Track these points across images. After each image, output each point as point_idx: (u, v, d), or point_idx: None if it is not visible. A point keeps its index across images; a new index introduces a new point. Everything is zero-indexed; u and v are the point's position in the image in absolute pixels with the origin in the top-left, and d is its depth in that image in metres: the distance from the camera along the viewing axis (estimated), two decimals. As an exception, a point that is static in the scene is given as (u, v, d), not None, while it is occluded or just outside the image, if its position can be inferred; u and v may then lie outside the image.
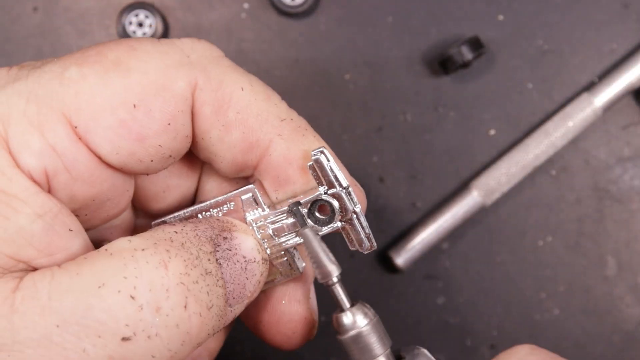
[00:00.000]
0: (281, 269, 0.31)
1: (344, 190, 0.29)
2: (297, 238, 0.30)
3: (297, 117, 0.30)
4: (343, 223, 0.29)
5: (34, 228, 0.25)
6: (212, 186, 0.33)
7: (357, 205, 0.29)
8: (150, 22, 0.48)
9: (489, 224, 0.49)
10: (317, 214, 0.29)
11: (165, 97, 0.27)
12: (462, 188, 0.48)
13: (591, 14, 0.49)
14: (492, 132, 0.49)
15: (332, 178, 0.29)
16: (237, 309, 0.28)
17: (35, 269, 0.25)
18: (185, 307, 0.24)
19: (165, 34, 0.49)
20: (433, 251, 0.48)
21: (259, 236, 0.30)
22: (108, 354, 0.23)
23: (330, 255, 0.29)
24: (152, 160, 0.28)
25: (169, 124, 0.27)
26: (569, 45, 0.49)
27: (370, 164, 0.49)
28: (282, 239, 0.30)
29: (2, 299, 0.23)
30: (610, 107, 0.48)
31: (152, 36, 0.48)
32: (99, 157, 0.27)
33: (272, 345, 0.32)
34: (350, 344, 0.29)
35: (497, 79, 0.49)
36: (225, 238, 0.27)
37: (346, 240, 0.30)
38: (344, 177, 0.29)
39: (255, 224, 0.30)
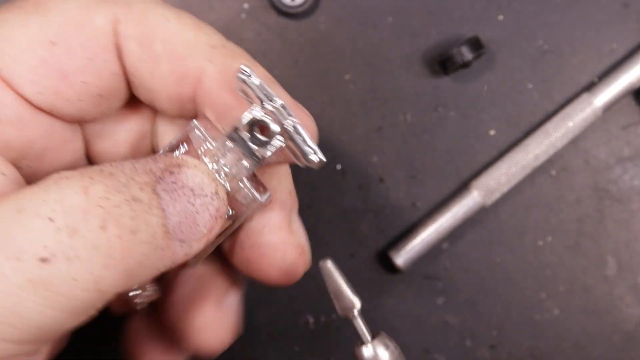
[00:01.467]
0: (245, 201, 0.29)
1: (276, 105, 0.27)
2: (246, 164, 0.28)
3: (231, 45, 0.29)
4: (284, 140, 0.28)
5: None
6: (168, 138, 0.32)
7: (291, 118, 0.28)
8: (150, 22, 0.48)
9: (489, 224, 0.49)
10: (259, 136, 0.28)
11: (84, 33, 0.27)
12: (462, 188, 0.48)
13: (591, 14, 0.49)
14: (492, 132, 0.49)
15: (262, 96, 0.27)
16: (194, 246, 0.27)
17: None
18: (103, 229, 0.24)
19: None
20: (433, 251, 0.48)
21: (214, 169, 0.29)
22: (27, 277, 0.23)
23: (351, 288, 0.28)
24: (80, 100, 0.28)
25: (89, 58, 0.27)
26: (569, 45, 0.49)
27: (370, 164, 0.49)
28: (234, 169, 0.29)
29: None
30: (610, 107, 0.48)
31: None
32: (26, 100, 0.27)
33: (270, 283, 0.31)
34: None
35: (497, 79, 0.49)
36: (171, 173, 0.26)
37: (295, 160, 0.29)
38: (273, 93, 0.28)
39: (207, 158, 0.29)
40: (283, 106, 0.28)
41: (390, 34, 0.49)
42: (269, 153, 0.28)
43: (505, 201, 0.49)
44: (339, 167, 0.49)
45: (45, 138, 0.28)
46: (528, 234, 0.49)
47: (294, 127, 0.28)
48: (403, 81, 0.49)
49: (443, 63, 0.47)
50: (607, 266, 0.49)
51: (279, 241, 0.31)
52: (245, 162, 0.28)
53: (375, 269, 0.49)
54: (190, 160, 0.27)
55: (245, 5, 0.49)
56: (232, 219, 0.30)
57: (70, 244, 0.23)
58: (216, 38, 0.29)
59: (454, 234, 0.48)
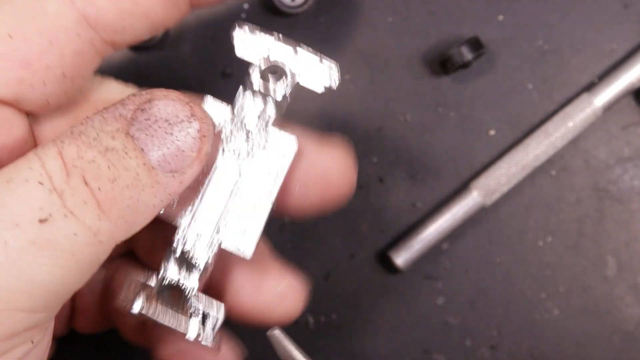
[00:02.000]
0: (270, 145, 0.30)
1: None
2: (269, 112, 0.29)
3: None
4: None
5: None
6: None
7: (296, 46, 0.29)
8: (150, 22, 0.48)
9: (489, 224, 0.49)
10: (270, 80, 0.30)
11: (39, 19, 0.28)
12: (462, 188, 0.48)
13: (591, 14, 0.49)
14: (492, 132, 0.49)
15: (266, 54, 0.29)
16: (188, 172, 0.27)
17: None
18: (86, 184, 0.25)
19: (166, 34, 0.49)
20: (433, 251, 0.48)
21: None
22: (30, 239, 0.24)
23: (302, 353, 0.28)
24: (44, 84, 0.28)
25: (50, 42, 0.28)
26: (569, 45, 0.49)
27: (370, 164, 0.49)
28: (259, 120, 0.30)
29: None
30: (611, 107, 0.48)
31: (153, 39, 0.48)
32: None
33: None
34: None
35: (497, 79, 0.49)
36: (142, 110, 0.27)
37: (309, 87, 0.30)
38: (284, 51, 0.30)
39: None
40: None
41: (390, 34, 0.49)
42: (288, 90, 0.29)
43: (505, 201, 0.49)
44: (339, 167, 0.49)
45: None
46: (528, 234, 0.49)
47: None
48: (403, 81, 0.49)
49: (443, 63, 0.47)
50: (607, 266, 0.49)
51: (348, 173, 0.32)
52: (268, 110, 0.29)
53: (375, 269, 0.49)
54: (158, 91, 0.28)
55: (245, 5, 0.49)
56: None
57: (62, 202, 0.25)
58: None
59: (454, 234, 0.48)
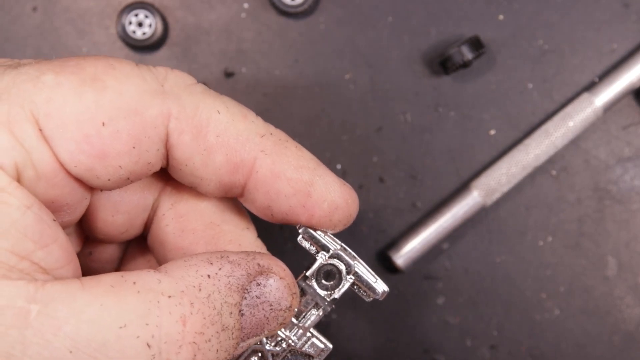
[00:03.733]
0: (309, 349, 0.31)
1: (339, 247, 0.30)
2: (316, 312, 0.31)
3: (275, 130, 0.31)
4: (352, 277, 0.30)
5: (26, 219, 0.25)
6: (180, 210, 0.33)
7: (355, 257, 0.30)
8: (150, 22, 0.48)
9: (489, 224, 0.49)
10: (324, 282, 0.30)
11: (135, 121, 0.28)
12: (462, 188, 0.48)
13: (591, 14, 0.49)
14: (492, 132, 0.49)
15: (325, 242, 0.30)
16: (249, 341, 0.28)
17: (45, 273, 0.25)
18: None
19: (165, 33, 0.49)
20: (433, 251, 0.48)
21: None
22: None
23: None
24: (109, 180, 0.28)
25: (134, 147, 0.28)
26: (569, 45, 0.49)
27: (370, 164, 0.49)
28: (303, 320, 0.31)
29: (16, 308, 0.23)
30: (611, 107, 0.48)
31: (152, 36, 0.48)
32: (60, 163, 0.27)
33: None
34: None
35: (497, 79, 0.49)
36: (258, 284, 0.28)
37: (360, 294, 0.31)
38: (333, 238, 0.30)
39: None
40: (344, 247, 0.31)
41: (390, 33, 0.49)
42: (338, 294, 0.30)
43: (505, 201, 0.49)
44: (339, 167, 0.49)
45: (68, 197, 0.29)
46: (528, 234, 0.49)
47: (359, 264, 0.30)
48: (403, 81, 0.49)
49: (443, 63, 0.47)
50: (607, 266, 0.49)
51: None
52: (313, 311, 0.31)
53: (375, 269, 0.49)
54: (275, 264, 0.29)
55: (245, 5, 0.49)
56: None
57: None
58: (262, 125, 0.30)
59: (454, 234, 0.48)
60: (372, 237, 0.49)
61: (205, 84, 0.49)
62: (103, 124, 0.27)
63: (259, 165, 0.30)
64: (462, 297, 0.49)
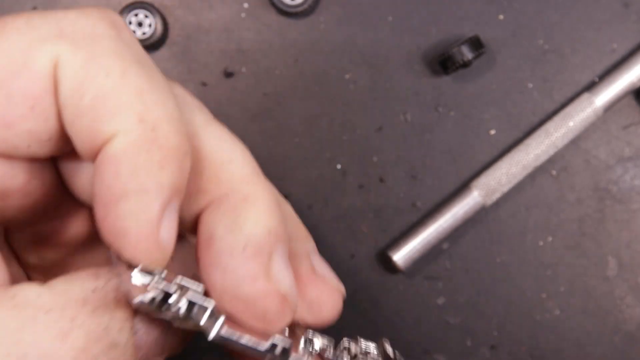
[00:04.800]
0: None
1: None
2: None
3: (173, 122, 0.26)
4: None
5: None
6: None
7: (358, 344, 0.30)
8: (150, 22, 0.48)
9: (489, 224, 0.49)
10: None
11: (25, 77, 0.24)
12: (462, 188, 0.48)
13: (592, 14, 0.49)
14: (493, 132, 0.49)
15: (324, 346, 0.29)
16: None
17: None
18: None
19: (165, 33, 0.49)
20: (433, 251, 0.48)
21: None
22: None
23: None
24: (29, 146, 0.25)
25: (32, 107, 0.25)
26: (569, 45, 0.49)
27: (370, 164, 0.49)
28: None
29: None
30: (611, 107, 0.48)
31: (152, 36, 0.48)
32: None
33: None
34: None
35: (498, 79, 0.49)
36: None
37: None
38: (319, 337, 0.29)
39: None
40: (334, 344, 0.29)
41: (391, 33, 0.49)
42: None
43: (505, 201, 0.49)
44: (339, 167, 0.49)
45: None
46: (528, 234, 0.49)
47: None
48: (403, 81, 0.49)
49: (443, 63, 0.47)
50: (608, 266, 0.49)
51: (256, 293, 0.27)
52: None
53: (375, 269, 0.49)
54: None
55: (245, 5, 0.49)
56: None
57: None
58: (156, 110, 0.24)
59: (454, 234, 0.48)
60: (372, 237, 0.49)
61: (205, 84, 0.49)
62: None
63: (115, 140, 0.24)
64: (462, 297, 0.49)
